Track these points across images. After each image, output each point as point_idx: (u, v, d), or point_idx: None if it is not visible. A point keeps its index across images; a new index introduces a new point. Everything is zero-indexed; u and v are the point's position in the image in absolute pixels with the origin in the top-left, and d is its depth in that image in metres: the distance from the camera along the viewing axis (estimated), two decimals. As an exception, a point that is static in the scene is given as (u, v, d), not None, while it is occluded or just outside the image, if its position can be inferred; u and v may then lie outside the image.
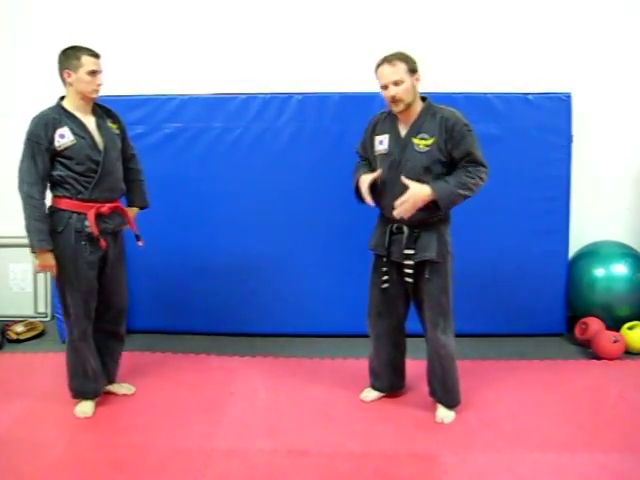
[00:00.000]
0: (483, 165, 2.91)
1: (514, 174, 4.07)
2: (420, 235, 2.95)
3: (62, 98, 3.05)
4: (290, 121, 4.06)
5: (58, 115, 2.98)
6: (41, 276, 4.58)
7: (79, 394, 3.18)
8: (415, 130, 2.94)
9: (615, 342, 3.77)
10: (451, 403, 3.10)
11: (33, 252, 2.96)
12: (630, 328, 3.90)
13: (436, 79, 4.20)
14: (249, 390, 3.41)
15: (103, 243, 3.04)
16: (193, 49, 4.36)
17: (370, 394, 3.31)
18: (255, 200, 4.10)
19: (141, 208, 3.36)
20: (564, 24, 4.29)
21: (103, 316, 3.23)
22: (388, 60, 2.90)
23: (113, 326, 3.28)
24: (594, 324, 3.93)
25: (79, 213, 2.99)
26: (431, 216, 2.92)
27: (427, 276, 2.96)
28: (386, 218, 3.05)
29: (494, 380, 3.49)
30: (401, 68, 2.87)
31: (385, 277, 3.06)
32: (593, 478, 2.62)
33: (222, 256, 4.14)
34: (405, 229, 2.96)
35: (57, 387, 3.29)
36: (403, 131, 2.98)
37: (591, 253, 4.19)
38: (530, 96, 4.02)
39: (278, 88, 4.11)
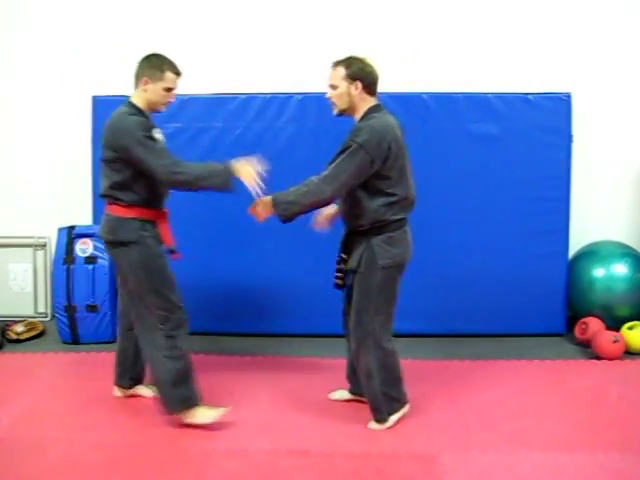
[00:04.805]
0: (329, 177, 2.85)
1: (514, 174, 4.07)
2: (353, 243, 2.92)
3: (128, 101, 3.01)
4: (290, 121, 4.06)
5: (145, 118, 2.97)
6: (41, 276, 4.58)
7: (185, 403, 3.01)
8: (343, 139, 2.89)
9: (615, 342, 3.77)
10: (375, 417, 3.00)
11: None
12: (630, 328, 3.90)
13: (436, 79, 4.23)
14: (249, 390, 3.41)
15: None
16: (193, 49, 4.35)
17: (336, 394, 3.29)
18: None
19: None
20: (564, 24, 4.30)
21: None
22: (334, 63, 2.88)
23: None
24: (594, 324, 3.93)
25: None
26: (358, 225, 2.88)
27: (349, 283, 2.93)
28: None
29: (494, 380, 3.49)
30: (339, 73, 2.84)
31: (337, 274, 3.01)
32: (593, 478, 2.62)
33: (222, 256, 4.14)
34: (344, 235, 2.98)
35: (57, 387, 3.30)
36: None
37: (591, 253, 4.19)
38: (530, 96, 4.03)
39: (278, 88, 4.12)
